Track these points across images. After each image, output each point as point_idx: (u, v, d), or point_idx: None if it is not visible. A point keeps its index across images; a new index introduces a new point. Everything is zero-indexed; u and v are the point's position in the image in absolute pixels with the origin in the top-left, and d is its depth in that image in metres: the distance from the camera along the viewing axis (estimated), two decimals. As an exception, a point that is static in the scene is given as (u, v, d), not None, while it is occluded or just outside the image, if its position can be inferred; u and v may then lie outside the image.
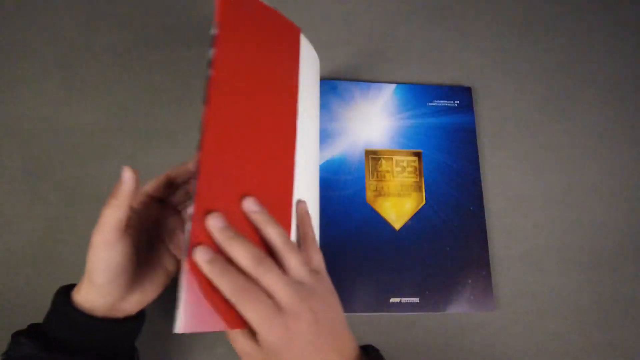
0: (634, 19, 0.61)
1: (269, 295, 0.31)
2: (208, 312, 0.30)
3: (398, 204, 0.50)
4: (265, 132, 0.33)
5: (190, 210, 0.31)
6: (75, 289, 0.34)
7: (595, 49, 0.59)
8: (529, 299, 0.50)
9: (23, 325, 0.35)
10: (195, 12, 0.55)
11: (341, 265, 0.47)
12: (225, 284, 0.30)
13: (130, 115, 0.49)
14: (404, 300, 0.47)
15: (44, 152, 0.48)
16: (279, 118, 0.34)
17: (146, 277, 0.36)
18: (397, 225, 0.50)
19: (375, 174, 0.51)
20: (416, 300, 0.47)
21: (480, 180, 0.52)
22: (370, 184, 0.50)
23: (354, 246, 0.48)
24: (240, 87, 0.33)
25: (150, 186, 0.37)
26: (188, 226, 0.31)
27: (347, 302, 0.46)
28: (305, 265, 0.34)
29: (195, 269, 0.30)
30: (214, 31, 0.32)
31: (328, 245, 0.47)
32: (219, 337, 0.45)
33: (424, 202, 0.51)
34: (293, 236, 0.36)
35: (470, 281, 0.48)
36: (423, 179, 0.51)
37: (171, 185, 0.38)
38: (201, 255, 0.30)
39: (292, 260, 0.33)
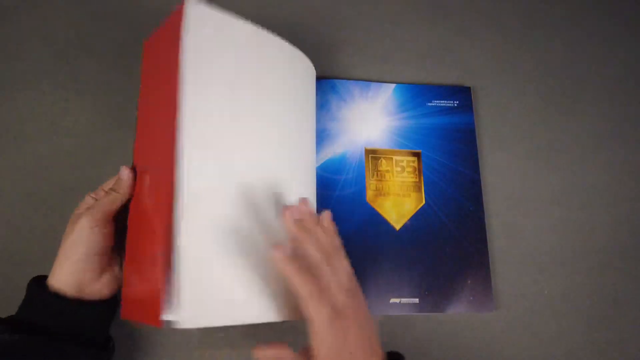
0: (634, 19, 0.61)
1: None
2: (139, 303, 0.34)
3: (398, 203, 0.50)
4: (157, 128, 0.37)
5: None
6: (49, 277, 0.36)
7: (595, 49, 0.60)
8: (529, 300, 0.50)
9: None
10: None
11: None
12: (303, 282, 0.33)
13: (130, 115, 0.49)
14: (403, 300, 0.47)
15: (44, 152, 0.48)
16: (165, 107, 0.35)
17: (116, 263, 0.39)
18: (398, 225, 0.49)
19: (375, 173, 0.51)
20: (416, 300, 0.47)
21: (479, 181, 0.52)
22: (371, 183, 0.50)
23: (354, 246, 0.48)
24: (149, 101, 0.39)
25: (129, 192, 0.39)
26: None
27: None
28: (351, 273, 0.37)
29: (131, 260, 0.36)
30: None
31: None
32: (217, 337, 0.45)
33: (424, 202, 0.50)
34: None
35: (469, 282, 0.48)
36: (422, 179, 0.51)
37: None
38: (282, 251, 0.34)
39: (341, 265, 0.36)
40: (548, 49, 0.59)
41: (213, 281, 0.35)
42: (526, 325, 0.49)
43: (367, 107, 0.53)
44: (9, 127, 0.48)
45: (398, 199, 0.50)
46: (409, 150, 0.52)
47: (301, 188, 0.43)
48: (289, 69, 0.43)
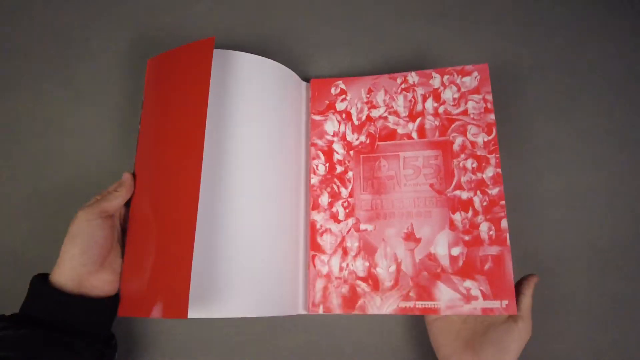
0: (634, 19, 0.61)
1: None
2: (138, 299, 0.37)
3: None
4: (176, 135, 0.41)
5: None
6: (52, 275, 0.37)
7: (596, 48, 0.59)
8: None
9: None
10: (194, 13, 0.54)
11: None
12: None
13: (130, 115, 0.49)
14: (403, 300, 0.47)
15: (44, 153, 0.48)
16: (189, 122, 0.40)
17: (115, 260, 0.40)
18: (397, 225, 0.50)
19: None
20: (416, 300, 0.47)
21: (479, 180, 0.52)
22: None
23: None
24: (159, 116, 0.43)
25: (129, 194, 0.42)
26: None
27: (348, 302, 0.46)
28: None
29: (127, 259, 0.39)
30: (141, 98, 0.44)
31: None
32: (215, 337, 0.45)
33: (424, 202, 0.51)
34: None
35: (470, 281, 0.48)
36: (423, 179, 0.51)
37: None
38: None
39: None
40: (548, 49, 0.59)
41: (222, 275, 0.39)
42: (526, 325, 0.49)
43: (367, 107, 0.53)
44: (9, 127, 0.48)
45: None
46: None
47: (295, 190, 0.46)
48: (265, 82, 0.46)
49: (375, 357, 0.45)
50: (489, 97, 0.47)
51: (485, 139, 0.46)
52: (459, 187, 0.45)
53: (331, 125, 0.49)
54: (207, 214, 0.40)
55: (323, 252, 0.46)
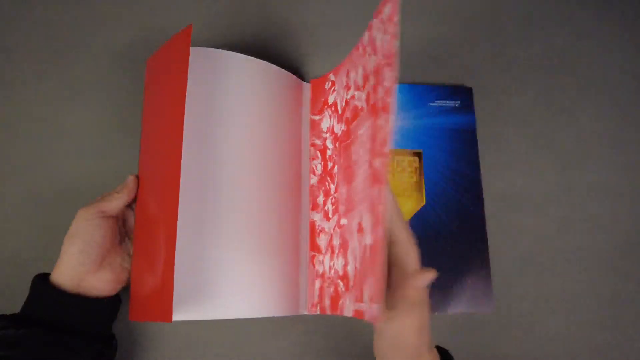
0: (635, 19, 0.61)
1: None
2: (150, 303, 0.36)
3: (399, 204, 0.50)
4: (163, 134, 0.40)
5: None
6: (52, 275, 0.37)
7: (597, 49, 0.59)
8: (529, 300, 0.50)
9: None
10: (194, 13, 0.54)
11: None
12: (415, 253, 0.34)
13: (130, 115, 0.49)
14: (404, 300, 0.47)
15: (44, 152, 0.48)
16: (169, 120, 0.39)
17: (115, 261, 0.39)
18: (398, 225, 0.49)
19: (375, 173, 0.51)
20: (416, 300, 0.47)
21: (480, 181, 0.52)
22: (371, 184, 0.50)
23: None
24: (151, 117, 0.42)
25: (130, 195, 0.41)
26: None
27: (348, 302, 0.46)
28: None
29: (138, 261, 0.38)
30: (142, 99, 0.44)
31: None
32: (215, 337, 0.45)
33: (424, 202, 0.50)
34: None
35: (469, 281, 0.48)
36: (423, 180, 0.51)
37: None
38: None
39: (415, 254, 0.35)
40: (548, 48, 0.59)
41: (207, 277, 0.38)
42: (526, 325, 0.49)
43: (368, 107, 0.53)
44: (9, 127, 0.48)
45: (399, 199, 0.50)
46: (410, 150, 0.52)
47: (294, 191, 0.46)
48: (266, 86, 0.46)
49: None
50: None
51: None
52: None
53: (326, 122, 0.48)
54: (208, 216, 0.40)
55: (320, 251, 0.45)
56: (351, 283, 0.37)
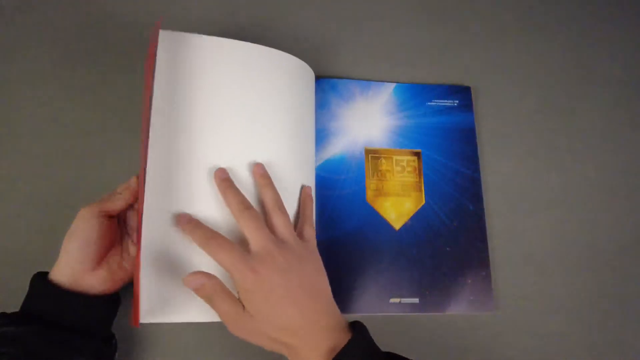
0: (635, 19, 0.61)
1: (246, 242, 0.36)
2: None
3: (398, 203, 0.50)
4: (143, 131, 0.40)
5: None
6: (52, 272, 0.37)
7: (596, 48, 0.59)
8: (529, 300, 0.49)
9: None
10: (193, 13, 0.54)
11: (341, 265, 0.47)
12: (198, 235, 0.36)
13: (130, 115, 0.49)
14: (403, 300, 0.47)
15: (44, 152, 0.48)
16: (144, 113, 0.39)
17: (114, 260, 0.39)
18: (397, 225, 0.49)
19: (375, 173, 0.51)
20: (416, 300, 0.47)
21: (479, 180, 0.52)
22: (371, 183, 0.50)
23: (354, 246, 0.48)
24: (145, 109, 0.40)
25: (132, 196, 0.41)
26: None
27: (347, 302, 0.46)
28: (291, 229, 0.38)
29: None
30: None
31: (328, 245, 0.47)
32: (215, 337, 0.45)
33: (424, 202, 0.50)
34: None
35: (469, 281, 0.48)
36: (422, 179, 0.51)
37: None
38: (183, 217, 0.37)
39: (278, 220, 0.38)
40: (548, 48, 0.59)
41: (176, 278, 0.37)
42: (526, 325, 0.49)
43: (368, 107, 0.53)
44: (9, 127, 0.48)
45: (398, 199, 0.50)
46: (409, 149, 0.52)
47: (299, 189, 0.44)
48: (283, 74, 0.44)
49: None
50: None
51: None
52: None
53: None
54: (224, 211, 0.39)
55: None
56: None
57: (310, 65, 0.49)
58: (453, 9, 0.59)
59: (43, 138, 0.48)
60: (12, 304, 0.37)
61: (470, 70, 0.56)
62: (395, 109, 0.53)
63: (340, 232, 0.48)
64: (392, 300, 0.47)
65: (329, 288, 0.38)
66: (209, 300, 0.35)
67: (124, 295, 0.42)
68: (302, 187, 0.44)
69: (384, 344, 0.38)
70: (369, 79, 0.54)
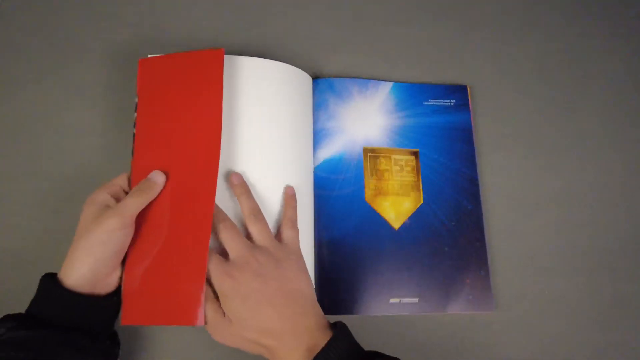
0: (634, 19, 0.61)
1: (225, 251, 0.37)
2: (144, 306, 0.37)
3: (397, 203, 0.50)
4: (190, 139, 0.41)
5: None
6: (61, 273, 0.36)
7: (595, 47, 0.60)
8: (528, 299, 0.49)
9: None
10: (193, 14, 0.55)
11: (341, 265, 0.47)
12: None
13: (130, 115, 0.49)
14: (403, 300, 0.47)
15: (44, 152, 0.48)
16: (203, 126, 0.41)
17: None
18: (396, 224, 0.49)
19: (374, 172, 0.51)
20: (415, 300, 0.47)
21: (477, 180, 0.52)
22: (370, 182, 0.50)
23: (354, 246, 0.48)
24: (161, 118, 0.43)
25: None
26: None
27: (348, 303, 0.46)
28: (269, 234, 0.39)
29: (132, 264, 0.38)
30: (136, 100, 0.44)
31: (328, 245, 0.47)
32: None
33: (422, 201, 0.50)
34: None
35: (468, 281, 0.48)
36: (420, 178, 0.51)
37: None
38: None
39: (254, 228, 0.39)
40: (545, 47, 0.59)
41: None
42: (525, 325, 0.48)
43: (365, 106, 0.53)
44: (9, 127, 0.48)
45: (397, 198, 0.50)
46: (407, 149, 0.52)
47: (297, 189, 0.45)
48: (279, 84, 0.47)
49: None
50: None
51: None
52: None
53: None
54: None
55: None
56: None
57: (308, 65, 0.50)
58: (450, 8, 0.59)
59: (43, 138, 0.48)
60: (13, 304, 0.36)
61: (467, 70, 0.57)
62: (393, 108, 0.53)
63: (340, 232, 0.48)
64: (392, 300, 0.47)
65: (311, 288, 0.39)
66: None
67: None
68: (284, 188, 0.44)
69: (385, 344, 0.37)
70: (367, 78, 0.54)
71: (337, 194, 0.49)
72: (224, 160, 0.42)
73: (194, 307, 0.36)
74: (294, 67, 0.48)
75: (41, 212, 0.46)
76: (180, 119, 0.42)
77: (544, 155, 0.55)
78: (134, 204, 0.37)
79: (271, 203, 0.43)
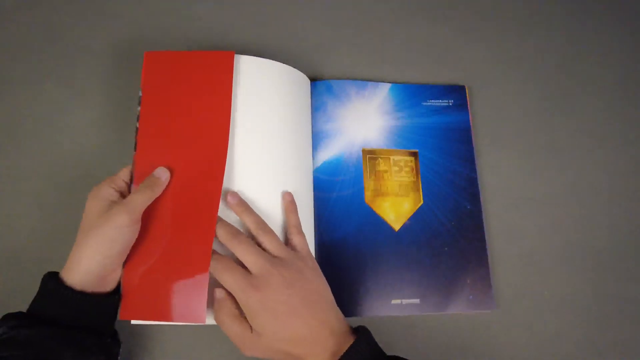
0: (633, 19, 0.62)
1: (243, 265, 0.37)
2: (145, 302, 0.38)
3: (396, 204, 0.50)
4: (196, 137, 0.42)
5: None
6: (64, 271, 0.36)
7: (594, 46, 0.60)
8: (529, 299, 0.49)
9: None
10: (193, 14, 0.55)
11: (342, 267, 0.47)
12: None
13: (130, 115, 0.49)
14: (404, 301, 0.47)
15: (44, 152, 0.48)
16: (211, 125, 0.42)
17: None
18: (397, 225, 0.49)
19: (373, 173, 0.51)
20: (417, 301, 0.47)
21: (477, 180, 0.52)
22: (369, 183, 0.50)
23: (354, 247, 0.48)
24: (166, 114, 0.43)
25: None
26: None
27: (350, 305, 0.46)
28: (280, 243, 0.39)
29: (133, 259, 0.38)
30: (139, 93, 0.44)
31: (328, 247, 0.47)
32: (215, 337, 0.44)
33: (422, 202, 0.50)
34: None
35: (469, 281, 0.48)
36: (420, 179, 0.51)
37: None
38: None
39: (265, 239, 0.39)
40: (544, 47, 0.59)
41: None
42: (526, 324, 0.48)
43: (364, 107, 0.53)
44: (9, 127, 0.48)
45: (396, 199, 0.50)
46: (406, 150, 0.52)
47: (296, 193, 0.45)
48: (277, 85, 0.47)
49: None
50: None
51: None
52: None
53: None
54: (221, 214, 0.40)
55: None
56: None
57: (306, 67, 0.50)
58: (447, 9, 0.59)
59: (43, 138, 0.48)
60: (12, 303, 0.36)
61: (465, 70, 0.57)
62: (392, 109, 0.53)
63: (340, 234, 0.48)
64: (394, 301, 0.47)
65: (329, 290, 0.39)
66: (220, 322, 0.37)
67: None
68: (282, 194, 0.43)
69: (387, 345, 0.37)
70: (365, 79, 0.54)
71: (337, 196, 0.49)
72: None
73: (199, 304, 0.36)
74: (293, 68, 0.48)
75: (41, 212, 0.46)
76: (187, 116, 0.42)
77: (543, 155, 0.55)
78: (141, 200, 0.37)
79: (273, 206, 0.43)
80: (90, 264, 0.35)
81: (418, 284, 0.47)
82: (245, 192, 0.42)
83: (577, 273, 0.51)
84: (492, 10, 0.60)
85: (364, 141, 0.52)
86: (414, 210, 0.50)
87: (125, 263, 0.38)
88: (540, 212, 0.53)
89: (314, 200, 0.48)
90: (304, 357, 0.35)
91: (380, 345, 0.37)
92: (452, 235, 0.50)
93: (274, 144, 0.44)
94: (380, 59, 0.56)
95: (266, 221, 0.41)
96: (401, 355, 0.36)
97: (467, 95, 0.55)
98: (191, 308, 0.37)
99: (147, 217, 0.39)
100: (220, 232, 0.38)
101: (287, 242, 0.42)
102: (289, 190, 0.44)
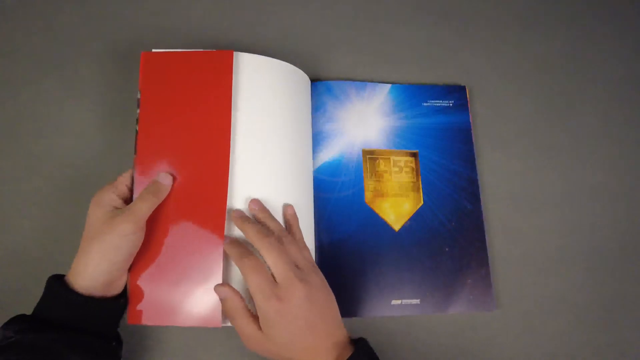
0: (633, 19, 0.62)
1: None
2: (154, 306, 0.38)
3: (397, 204, 0.50)
4: (197, 138, 0.42)
5: None
6: (70, 276, 0.36)
7: (594, 47, 0.60)
8: (529, 299, 0.49)
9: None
10: (193, 14, 0.55)
11: (342, 268, 0.47)
12: (234, 252, 0.38)
13: (130, 115, 0.49)
14: (405, 302, 0.47)
15: (44, 152, 0.48)
16: (211, 125, 0.42)
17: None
18: (397, 226, 0.49)
19: (373, 174, 0.51)
20: (417, 301, 0.47)
21: (477, 180, 0.52)
22: (369, 184, 0.50)
23: (354, 248, 0.48)
24: (166, 116, 0.42)
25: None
26: None
27: (350, 306, 0.46)
28: (303, 254, 0.39)
29: (139, 264, 0.38)
30: (138, 95, 0.43)
31: (328, 248, 0.47)
32: (215, 337, 0.44)
33: (422, 202, 0.50)
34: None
35: (469, 281, 0.48)
36: (420, 179, 0.51)
37: None
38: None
39: (292, 248, 0.38)
40: (544, 47, 0.59)
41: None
42: (526, 324, 0.48)
43: (364, 108, 0.53)
44: (9, 127, 0.48)
45: (396, 200, 0.50)
46: (406, 150, 0.52)
47: (297, 193, 0.45)
48: (278, 82, 0.46)
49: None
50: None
51: None
52: None
53: None
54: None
55: None
56: None
57: (306, 68, 0.50)
58: (447, 9, 0.59)
59: (43, 138, 0.48)
60: (13, 303, 0.36)
61: (465, 70, 0.57)
62: (392, 110, 0.53)
63: (341, 234, 0.48)
64: (394, 302, 0.47)
65: (335, 303, 0.39)
66: (230, 316, 0.37)
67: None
68: (284, 208, 0.43)
69: (388, 346, 0.37)
70: (365, 80, 0.54)
71: (337, 197, 0.49)
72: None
73: (214, 309, 0.37)
74: (293, 66, 0.48)
75: (41, 212, 0.46)
76: (186, 117, 0.42)
77: (544, 155, 0.55)
78: (145, 207, 0.37)
79: (273, 206, 0.43)
80: (96, 271, 0.35)
81: (418, 284, 0.47)
82: (245, 192, 0.42)
83: (577, 273, 0.51)
84: (492, 10, 0.60)
85: (364, 142, 0.52)
86: (414, 211, 0.50)
87: (131, 268, 0.38)
88: (540, 212, 0.53)
89: (314, 201, 0.48)
90: None
91: (381, 345, 0.37)
92: (452, 235, 0.50)
93: (274, 143, 0.44)
94: (380, 59, 0.56)
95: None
96: (401, 357, 0.37)
97: (467, 95, 0.55)
98: (206, 312, 0.37)
99: (152, 221, 0.39)
100: (250, 232, 0.38)
101: None
102: (289, 191, 0.44)
